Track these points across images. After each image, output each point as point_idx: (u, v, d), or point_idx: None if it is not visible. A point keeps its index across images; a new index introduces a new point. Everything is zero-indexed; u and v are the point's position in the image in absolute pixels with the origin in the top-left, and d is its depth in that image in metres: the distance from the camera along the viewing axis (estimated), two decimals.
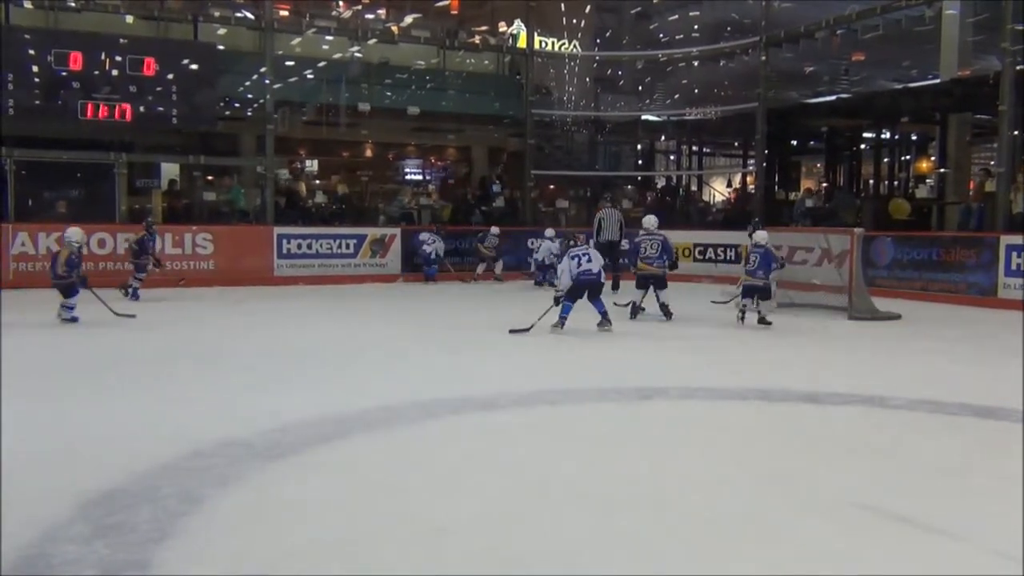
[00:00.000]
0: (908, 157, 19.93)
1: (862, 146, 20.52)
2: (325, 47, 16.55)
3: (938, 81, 15.34)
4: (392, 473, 3.99)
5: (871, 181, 20.43)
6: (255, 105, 15.78)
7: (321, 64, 16.36)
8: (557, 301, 8.65)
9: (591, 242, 12.21)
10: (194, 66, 14.42)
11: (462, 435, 4.77)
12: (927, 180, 18.17)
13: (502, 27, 19.24)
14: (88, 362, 6.87)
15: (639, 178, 22.30)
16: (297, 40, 16.28)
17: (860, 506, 3.53)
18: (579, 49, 18.93)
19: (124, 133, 14.90)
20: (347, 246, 15.16)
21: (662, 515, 3.43)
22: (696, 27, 17.95)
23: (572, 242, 9.38)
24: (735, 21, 17.71)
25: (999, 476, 4.00)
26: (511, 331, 8.52)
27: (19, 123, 13.55)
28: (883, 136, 20.16)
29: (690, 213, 20.18)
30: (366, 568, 2.89)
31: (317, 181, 19.46)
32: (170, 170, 16.87)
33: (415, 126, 18.35)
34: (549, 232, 14.57)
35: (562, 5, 18.19)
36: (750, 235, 10.50)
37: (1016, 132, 12.58)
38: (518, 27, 18.84)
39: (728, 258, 15.84)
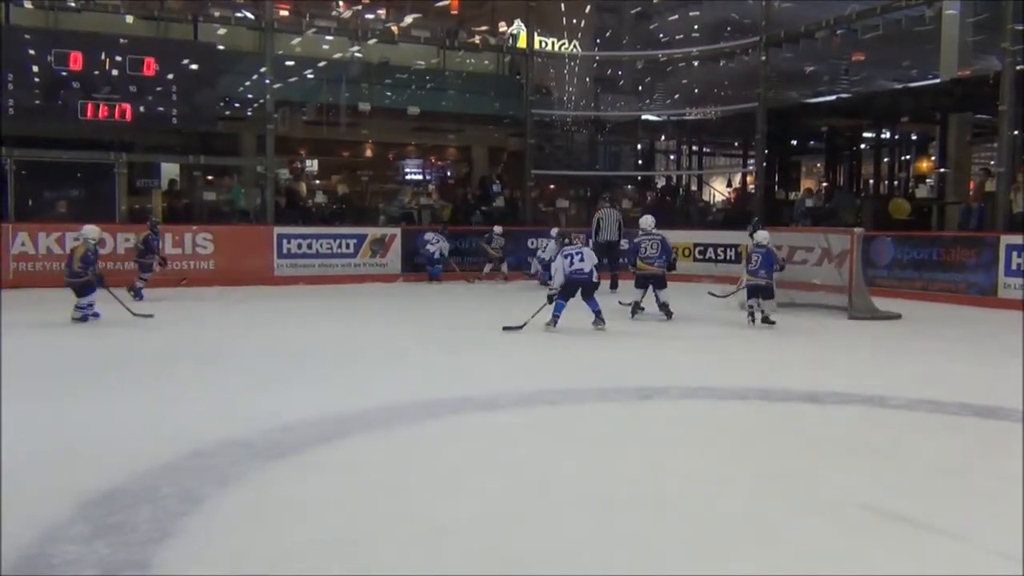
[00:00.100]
0: (908, 157, 19.91)
1: (862, 146, 20.51)
2: (325, 47, 16.55)
3: (938, 81, 15.33)
4: (392, 473, 4.00)
5: (871, 181, 20.41)
6: (255, 105, 15.78)
7: (321, 64, 16.35)
8: (551, 299, 8.76)
9: (590, 242, 12.24)
10: (194, 66, 14.41)
11: (462, 435, 4.77)
12: (927, 180, 18.15)
13: (502, 27, 19.24)
14: (88, 362, 6.86)
15: (639, 178, 22.29)
16: (297, 40, 16.27)
17: (860, 506, 3.54)
18: (579, 49, 18.92)
19: (124, 133, 14.89)
20: (347, 246, 15.16)
21: (662, 515, 3.43)
22: (696, 27, 17.95)
23: (567, 240, 9.46)
24: (735, 21, 17.71)
25: (999, 476, 4.00)
26: (504, 328, 8.64)
27: (19, 123, 13.55)
28: (883, 136, 20.15)
29: (690, 213, 20.17)
30: (366, 568, 2.89)
31: (317, 181, 19.46)
32: (170, 170, 16.86)
33: (415, 126, 18.35)
34: (555, 231, 14.57)
35: (562, 5, 18.19)
36: (750, 235, 10.50)
37: (1016, 132, 12.57)
38: (518, 27, 18.83)
39: (728, 258, 15.84)
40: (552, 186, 19.91)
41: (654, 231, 10.11)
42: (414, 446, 4.48)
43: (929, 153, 18.68)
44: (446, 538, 3.15)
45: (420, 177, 21.29)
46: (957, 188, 15.85)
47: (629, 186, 20.91)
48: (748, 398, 5.68)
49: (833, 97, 17.90)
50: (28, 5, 14.21)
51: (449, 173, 21.43)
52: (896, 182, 19.70)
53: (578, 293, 8.76)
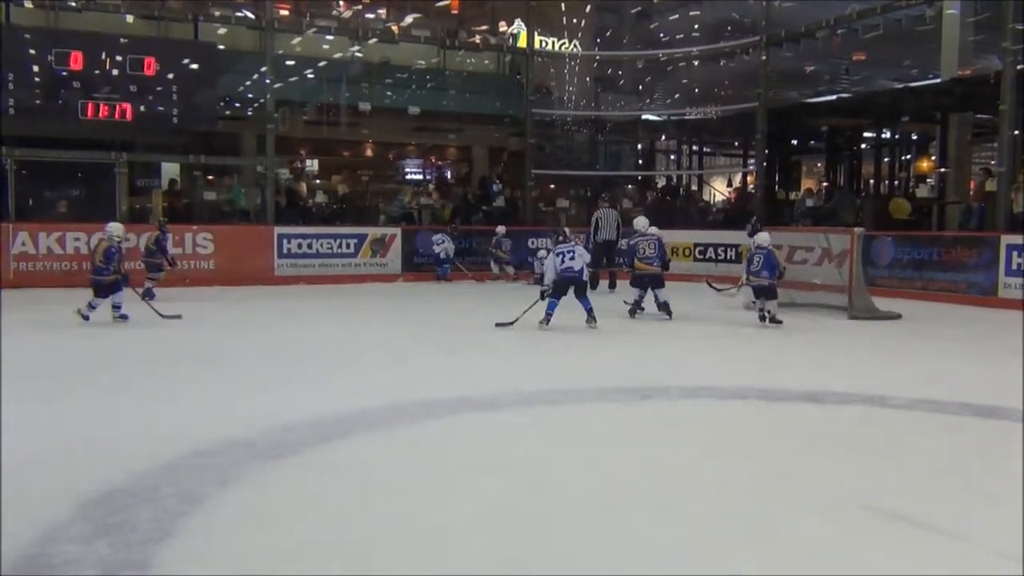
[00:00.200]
0: (908, 157, 19.90)
1: (862, 146, 20.50)
2: (325, 47, 16.55)
3: (939, 81, 15.33)
4: (392, 473, 4.00)
5: (871, 181, 20.40)
6: (255, 105, 15.79)
7: (321, 64, 16.35)
8: (543, 296, 8.87)
9: (590, 242, 12.26)
10: (194, 66, 14.42)
11: (462, 435, 4.77)
12: (927, 180, 18.16)
13: (502, 27, 19.25)
14: (88, 362, 6.86)
15: (639, 178, 22.30)
16: (297, 40, 16.27)
17: (860, 506, 3.53)
18: (579, 49, 18.92)
19: (124, 133, 14.90)
20: (347, 246, 15.17)
21: (662, 515, 3.43)
22: (696, 27, 17.95)
23: (560, 238, 9.58)
24: (735, 20, 17.71)
25: (999, 476, 4.00)
26: (497, 324, 8.79)
27: (19, 123, 13.55)
28: (883, 136, 20.14)
29: (690, 213, 20.17)
30: (366, 568, 2.89)
31: (317, 181, 19.46)
32: (170, 170, 16.88)
33: (415, 126, 18.35)
34: (567, 231, 14.56)
35: (562, 5, 18.20)
36: (749, 234, 10.52)
37: (1017, 132, 12.57)
38: (518, 27, 18.83)
39: (728, 258, 15.83)
40: (552, 186, 19.91)
41: (650, 231, 10.15)
42: (414, 446, 4.48)
43: (929, 153, 18.68)
44: (446, 538, 3.15)
45: (420, 177, 21.30)
46: (957, 188, 15.85)
47: (629, 186, 20.92)
48: (748, 398, 5.67)
49: (833, 97, 17.90)
50: (28, 5, 14.21)
51: (449, 173, 21.42)
52: (896, 182, 19.69)
53: (571, 292, 8.86)
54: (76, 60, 13.50)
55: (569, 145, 20.52)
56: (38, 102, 13.48)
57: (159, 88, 14.03)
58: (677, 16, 18.30)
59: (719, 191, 24.01)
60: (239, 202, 16.29)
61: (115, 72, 13.71)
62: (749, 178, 20.33)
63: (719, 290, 11.11)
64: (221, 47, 15.45)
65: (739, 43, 17.21)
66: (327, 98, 16.86)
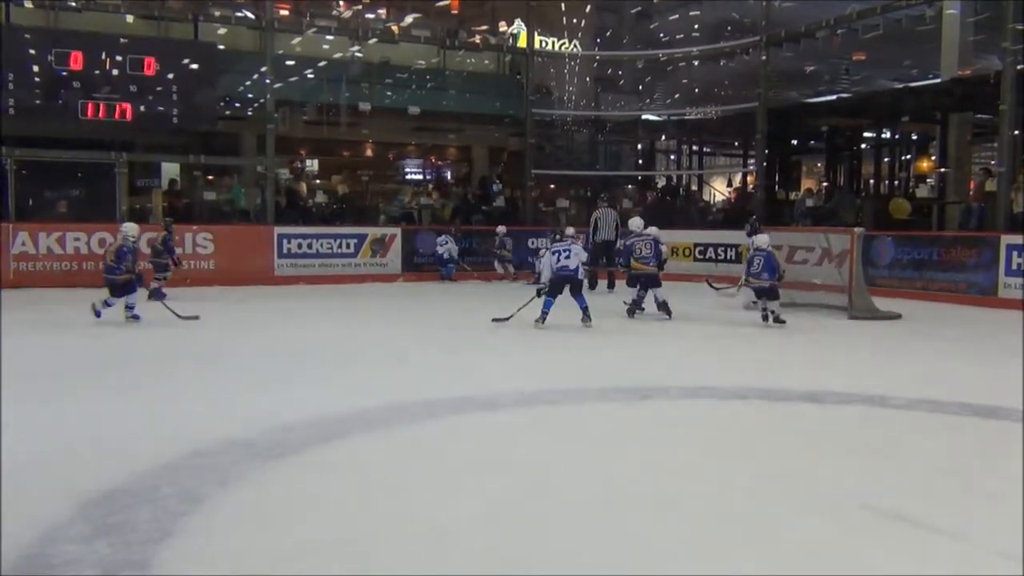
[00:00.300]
0: (908, 157, 19.91)
1: (862, 146, 20.50)
2: (325, 47, 16.55)
3: (939, 81, 15.33)
4: (392, 473, 4.00)
5: (871, 181, 20.41)
6: (255, 105, 15.79)
7: (321, 64, 16.35)
8: (539, 293, 8.95)
9: (589, 242, 12.25)
10: (194, 66, 14.41)
11: (462, 435, 4.77)
12: (927, 180, 18.16)
13: (502, 27, 19.24)
14: (88, 362, 6.86)
15: (639, 178, 22.30)
16: (297, 40, 16.28)
17: (860, 506, 3.53)
18: (579, 49, 18.92)
19: (124, 133, 14.90)
20: (347, 246, 15.17)
21: (662, 515, 3.43)
22: (696, 27, 17.95)
23: (557, 236, 9.65)
24: (735, 20, 17.71)
25: (999, 476, 4.00)
26: (493, 320, 8.92)
27: (19, 123, 13.55)
28: (883, 136, 20.14)
29: (690, 213, 20.17)
30: (366, 568, 2.89)
31: (317, 181, 19.47)
32: (170, 170, 16.88)
33: (415, 126, 18.35)
34: (570, 231, 14.53)
35: (562, 5, 18.19)
36: (748, 234, 10.52)
37: (1017, 132, 12.57)
38: (518, 27, 18.83)
39: (728, 258, 15.83)
40: (552, 186, 19.91)
41: (646, 232, 10.17)
42: (414, 446, 4.48)
43: (929, 153, 18.68)
44: (446, 538, 3.15)
45: (420, 177, 21.30)
46: (957, 188, 15.85)
47: (629, 186, 20.91)
48: (748, 398, 5.68)
49: (833, 97, 17.90)
50: (28, 5, 14.21)
51: (449, 173, 21.42)
52: (896, 182, 19.69)
53: (566, 290, 8.90)
54: (76, 60, 13.50)
55: (569, 145, 20.53)
56: (38, 102, 13.48)
57: (159, 88, 14.03)
58: (677, 16, 18.30)
59: (719, 191, 24.01)
60: (239, 202, 16.29)
61: (115, 72, 13.71)
62: (749, 178, 20.33)
63: (719, 289, 11.12)
64: (221, 47, 15.45)
65: (739, 43, 17.21)
66: (327, 98, 16.86)
